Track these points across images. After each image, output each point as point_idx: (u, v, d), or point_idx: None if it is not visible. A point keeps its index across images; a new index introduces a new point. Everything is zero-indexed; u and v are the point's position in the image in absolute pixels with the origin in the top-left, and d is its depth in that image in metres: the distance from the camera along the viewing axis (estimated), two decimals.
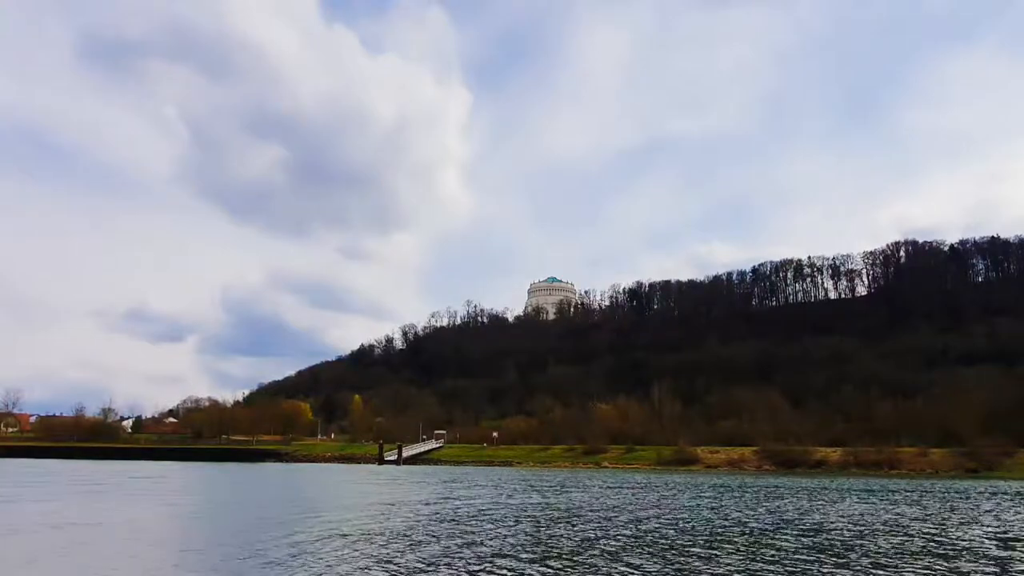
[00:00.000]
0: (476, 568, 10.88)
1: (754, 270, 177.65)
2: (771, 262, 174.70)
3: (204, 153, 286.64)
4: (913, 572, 11.05)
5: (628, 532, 16.19)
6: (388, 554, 12.29)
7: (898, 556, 12.79)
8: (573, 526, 17.41)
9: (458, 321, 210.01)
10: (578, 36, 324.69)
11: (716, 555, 12.62)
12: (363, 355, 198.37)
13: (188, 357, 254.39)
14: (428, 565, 11.15)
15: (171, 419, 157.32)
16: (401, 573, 10.40)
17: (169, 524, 19.18)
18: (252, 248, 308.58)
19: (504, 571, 10.65)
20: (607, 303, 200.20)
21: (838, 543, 14.57)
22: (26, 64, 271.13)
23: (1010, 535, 16.64)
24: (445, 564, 11.27)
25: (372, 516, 19.89)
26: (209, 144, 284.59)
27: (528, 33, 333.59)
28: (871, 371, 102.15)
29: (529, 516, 19.99)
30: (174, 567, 11.40)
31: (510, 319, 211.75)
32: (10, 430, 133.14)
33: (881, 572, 10.98)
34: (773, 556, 12.55)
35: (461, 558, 11.91)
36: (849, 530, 17.12)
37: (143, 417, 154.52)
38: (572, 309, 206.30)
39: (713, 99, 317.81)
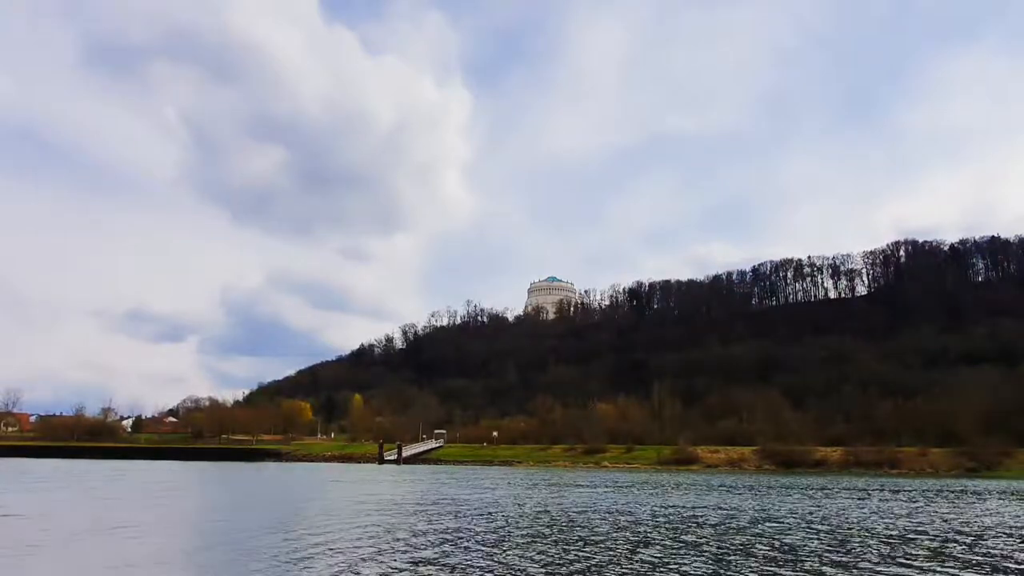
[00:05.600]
0: (468, 565, 10.87)
1: (754, 270, 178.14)
2: (771, 262, 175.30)
3: (205, 154, 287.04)
4: (903, 568, 11.06)
5: (617, 528, 16.19)
6: (359, 552, 12.25)
7: (882, 553, 12.79)
8: (567, 523, 17.40)
9: (458, 321, 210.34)
10: (577, 34, 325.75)
11: (705, 552, 12.61)
12: (363, 355, 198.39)
13: (188, 357, 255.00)
14: (418, 563, 11.12)
15: (171, 419, 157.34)
16: (386, 572, 10.38)
17: (67, 516, 19.23)
18: (253, 248, 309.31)
19: (499, 568, 10.63)
20: (607, 303, 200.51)
21: (834, 540, 14.58)
22: (29, 66, 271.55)
23: (995, 532, 16.65)
24: (437, 562, 11.24)
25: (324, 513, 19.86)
26: (210, 145, 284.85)
27: (527, 32, 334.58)
28: (871, 371, 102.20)
29: (525, 514, 19.98)
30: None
31: (510, 319, 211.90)
32: (10, 430, 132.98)
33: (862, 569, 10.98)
34: (766, 553, 12.54)
35: (453, 556, 11.90)
36: (843, 528, 17.14)
37: (143, 417, 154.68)
38: (572, 309, 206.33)
39: (712, 97, 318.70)
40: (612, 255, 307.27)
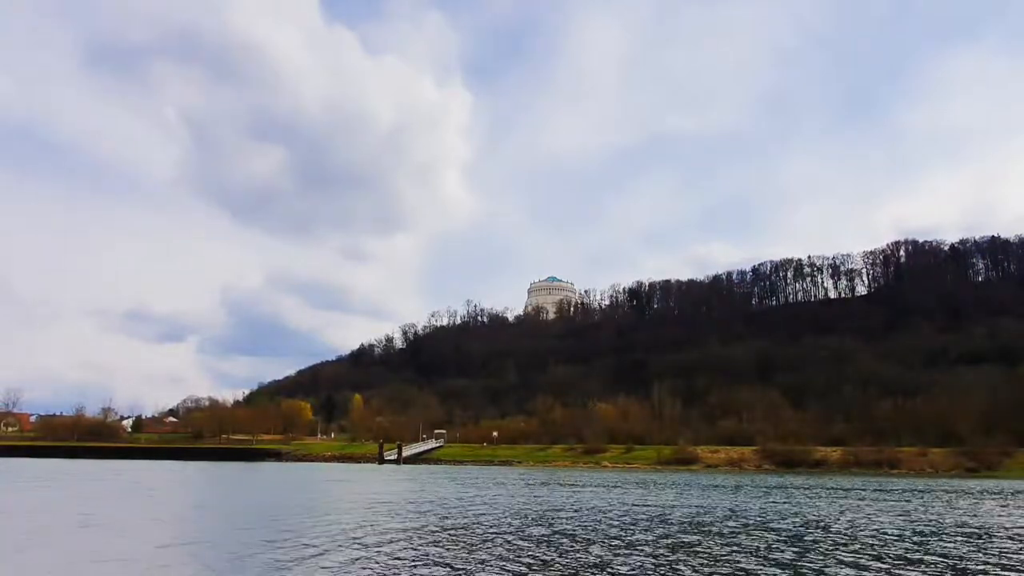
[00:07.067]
0: (446, 564, 10.86)
1: (754, 270, 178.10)
2: (771, 262, 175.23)
3: (206, 154, 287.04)
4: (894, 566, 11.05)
5: (612, 527, 16.19)
6: (353, 553, 12.24)
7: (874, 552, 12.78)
8: (556, 523, 17.39)
9: (458, 321, 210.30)
10: (576, 34, 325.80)
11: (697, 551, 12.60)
12: (363, 355, 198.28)
13: (188, 357, 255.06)
14: (413, 563, 11.11)
15: (171, 419, 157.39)
16: (378, 571, 10.37)
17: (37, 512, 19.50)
18: (253, 248, 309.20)
19: (476, 567, 10.62)
20: (607, 303, 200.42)
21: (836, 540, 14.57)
22: (29, 66, 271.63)
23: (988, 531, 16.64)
24: (415, 561, 11.23)
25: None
26: (211, 145, 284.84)
27: (527, 32, 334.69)
28: (871, 371, 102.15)
29: (516, 513, 19.97)
30: None
31: (510, 319, 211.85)
32: (10, 430, 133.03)
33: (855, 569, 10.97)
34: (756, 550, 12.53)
35: (432, 554, 11.89)
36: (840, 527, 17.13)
37: (143, 417, 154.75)
38: (572, 309, 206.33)
39: (712, 97, 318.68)
40: (612, 255, 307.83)
